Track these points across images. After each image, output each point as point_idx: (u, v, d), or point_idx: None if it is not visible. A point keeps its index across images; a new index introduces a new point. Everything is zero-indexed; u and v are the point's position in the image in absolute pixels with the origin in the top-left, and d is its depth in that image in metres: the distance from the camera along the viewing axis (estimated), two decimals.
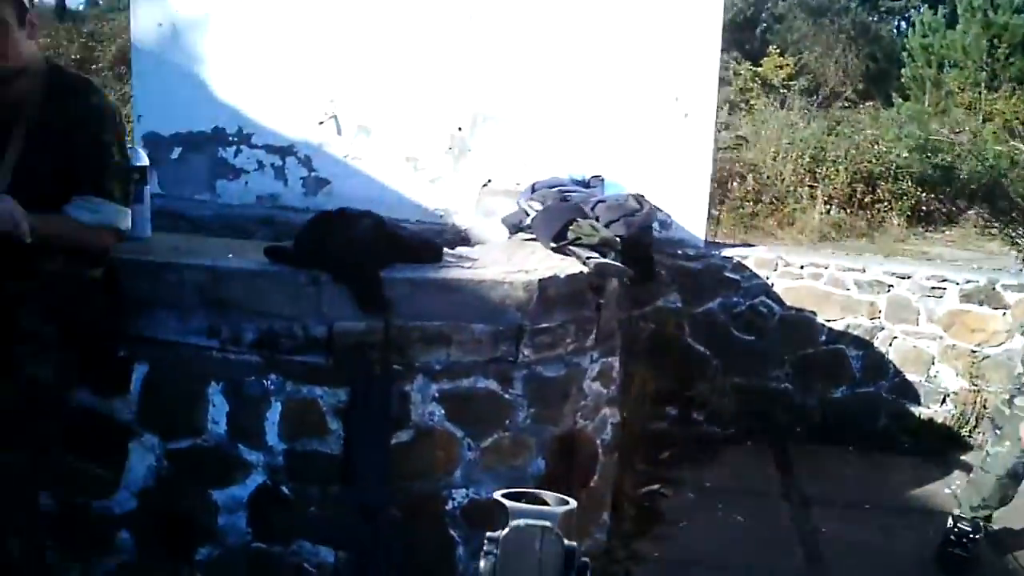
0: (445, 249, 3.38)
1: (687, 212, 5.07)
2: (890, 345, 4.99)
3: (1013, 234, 9.08)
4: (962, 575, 3.75)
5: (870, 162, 13.98)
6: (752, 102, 18.17)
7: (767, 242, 12.87)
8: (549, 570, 1.34)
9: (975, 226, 13.38)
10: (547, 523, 1.37)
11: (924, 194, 13.96)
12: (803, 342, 5.05)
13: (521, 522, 1.36)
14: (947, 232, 14.10)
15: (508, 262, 3.35)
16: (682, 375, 5.03)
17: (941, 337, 4.92)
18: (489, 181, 5.29)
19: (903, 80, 22.26)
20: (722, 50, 19.70)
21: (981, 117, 18.33)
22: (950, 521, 3.76)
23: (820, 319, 5.00)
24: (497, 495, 1.45)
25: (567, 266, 3.35)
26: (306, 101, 5.36)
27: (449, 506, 3.04)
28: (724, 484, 4.26)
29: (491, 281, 3.05)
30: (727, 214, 13.18)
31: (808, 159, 13.66)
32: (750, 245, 5.65)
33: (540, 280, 3.12)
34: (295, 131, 5.41)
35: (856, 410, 4.99)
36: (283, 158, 5.43)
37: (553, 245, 3.59)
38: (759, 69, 19.53)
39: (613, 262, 3.45)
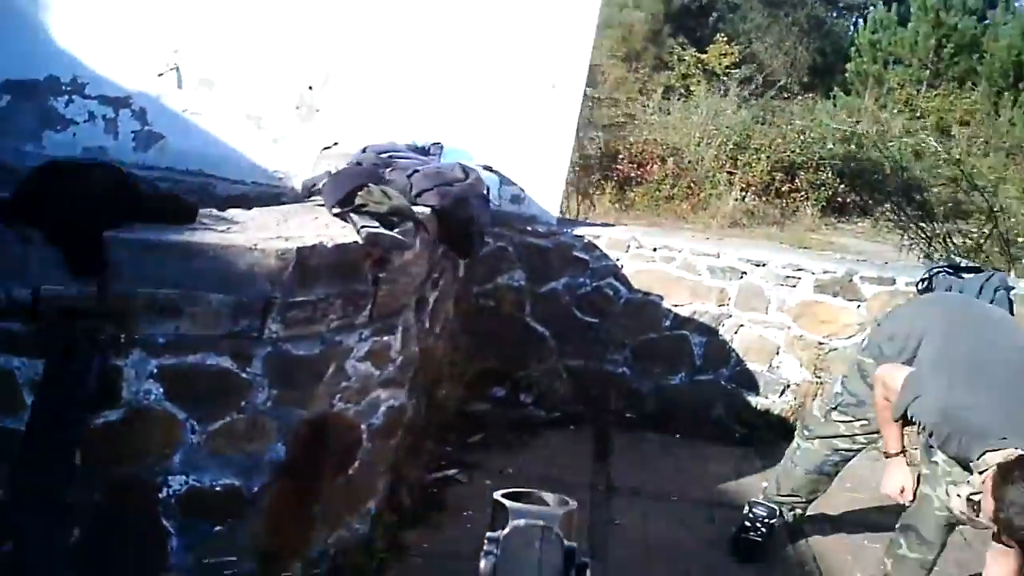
0: (204, 210, 3.10)
1: (542, 187, 4.86)
2: (735, 333, 4.83)
3: (918, 229, 9.03)
4: (751, 561, 3.61)
5: (793, 152, 14.04)
6: (692, 88, 18.13)
7: (677, 225, 12.91)
8: (549, 570, 1.34)
9: (888, 219, 13.47)
10: (547, 523, 1.37)
11: (842, 186, 14.09)
12: (646, 326, 4.87)
13: (521, 522, 1.37)
14: (859, 224, 14.17)
15: (276, 227, 3.10)
16: (517, 355, 4.84)
17: (789, 327, 4.77)
18: (335, 143, 5.05)
19: (847, 75, 22.46)
20: (668, 35, 19.46)
21: (917, 113, 18.53)
22: (746, 507, 3.63)
23: (667, 304, 4.83)
24: (497, 495, 1.42)
25: (342, 234, 3.11)
26: (147, 51, 5.04)
27: (163, 494, 2.74)
28: (529, 471, 4.05)
29: (239, 247, 2.76)
30: (641, 196, 13.13)
31: (732, 146, 13.67)
32: (608, 224, 5.46)
33: (299, 248, 2.85)
34: (132, 82, 5.08)
35: (692, 398, 4.83)
36: (116, 110, 5.09)
37: (336, 211, 3.37)
38: (703, 56, 19.45)
39: (389, 232, 3.22)
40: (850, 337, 4.77)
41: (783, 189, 13.58)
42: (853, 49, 21.97)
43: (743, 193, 13.11)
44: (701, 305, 4.90)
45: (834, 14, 31.15)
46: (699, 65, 19.06)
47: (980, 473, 2.57)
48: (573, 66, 4.82)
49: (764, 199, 13.22)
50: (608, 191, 12.73)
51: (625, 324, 4.95)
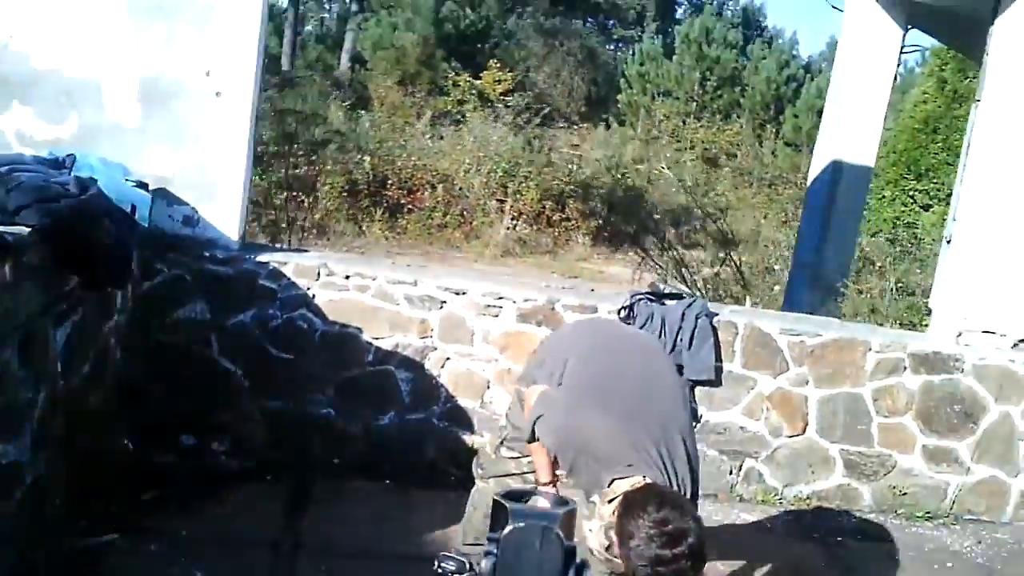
0: None
1: (218, 208, 4.26)
2: (443, 367, 4.43)
3: (657, 254, 9.10)
4: None
5: (562, 180, 14.13)
6: (468, 114, 18.01)
7: (450, 254, 12.71)
8: (549, 570, 1.38)
9: (654, 248, 13.79)
10: (547, 523, 1.41)
11: (613, 215, 14.34)
12: (348, 362, 4.38)
13: (521, 522, 1.41)
14: (630, 253, 14.43)
15: None
16: (206, 398, 4.22)
17: (497, 359, 4.42)
18: None
19: (619, 106, 23.20)
20: (443, 59, 19.12)
21: (685, 144, 19.30)
22: (436, 561, 3.22)
23: (367, 336, 4.36)
24: (497, 495, 1.48)
25: None
26: None
27: None
28: (208, 531, 3.46)
29: None
30: (413, 223, 12.77)
31: (501, 173, 13.57)
32: (297, 250, 4.92)
33: None
34: None
35: (403, 440, 4.36)
36: None
37: None
38: (477, 82, 19.42)
39: None
40: None
41: (554, 218, 13.52)
42: (623, 81, 22.62)
43: (514, 222, 12.96)
44: (403, 337, 4.44)
45: (610, 46, 32.41)
46: (473, 91, 18.98)
47: (609, 502, 2.25)
48: (240, 69, 4.26)
49: (536, 228, 13.12)
50: (378, 217, 12.22)
51: (325, 360, 4.42)
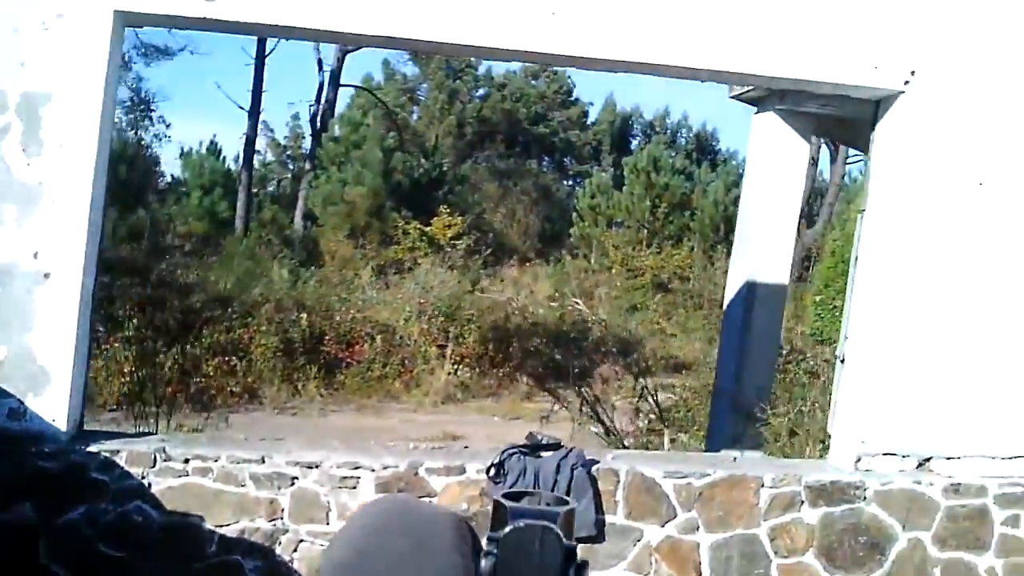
0: None
1: (48, 397, 3.99)
2: (295, 551, 4.10)
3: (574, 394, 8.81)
4: None
5: (506, 319, 13.99)
6: (419, 260, 18.09)
7: (388, 406, 12.39)
8: (549, 569, 1.43)
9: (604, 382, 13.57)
10: (547, 523, 1.46)
11: (557, 352, 14.10)
12: (189, 555, 4.04)
13: (521, 522, 1.47)
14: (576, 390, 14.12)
15: None
16: None
17: None
18: None
19: (572, 239, 23.35)
20: (392, 209, 19.19)
21: (635, 272, 19.30)
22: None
23: (209, 524, 4.04)
24: (497, 495, 1.56)
25: None
26: None
27: None
28: None
29: None
30: (352, 378, 12.51)
31: (442, 318, 13.42)
32: (131, 435, 4.55)
33: None
34: None
35: None
36: None
37: None
38: (427, 228, 19.56)
39: None
40: None
41: (497, 359, 13.29)
42: (576, 214, 22.88)
43: (456, 367, 12.71)
44: (250, 522, 4.12)
45: (567, 182, 33.07)
46: (424, 237, 19.10)
47: None
48: (69, 253, 4.09)
49: (478, 370, 12.86)
50: (313, 375, 11.95)
51: (161, 554, 4.07)
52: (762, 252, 6.04)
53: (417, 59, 31.77)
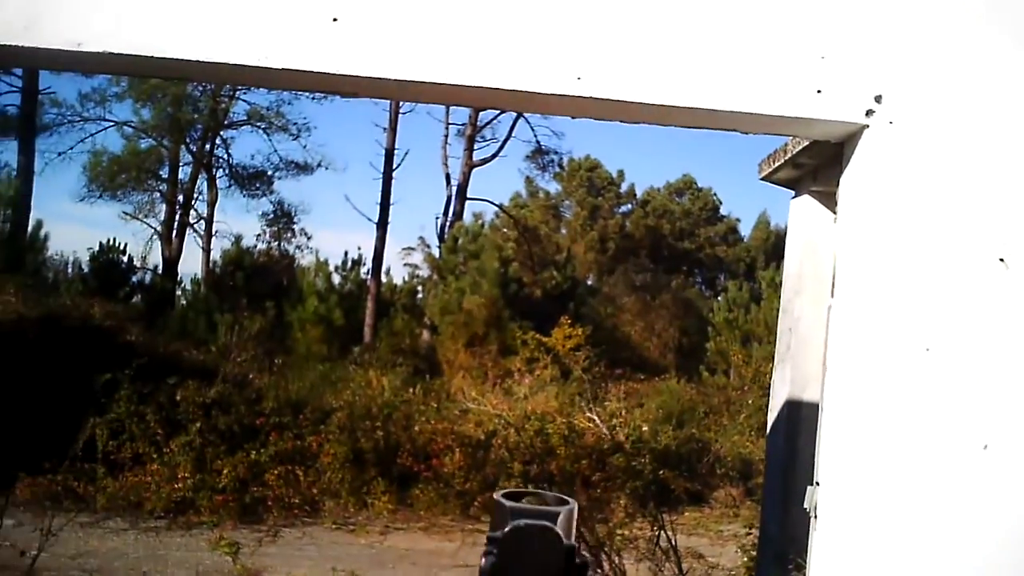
0: None
1: None
2: None
3: None
4: None
5: (602, 438, 12.69)
6: (538, 372, 17.24)
7: (465, 525, 11.21)
8: (549, 569, 1.36)
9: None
10: (547, 522, 1.39)
11: (663, 471, 12.65)
12: None
13: (521, 522, 1.39)
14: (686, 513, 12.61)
15: None
16: None
17: None
18: None
19: (708, 354, 21.77)
20: (510, 319, 18.71)
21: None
22: None
23: None
24: (497, 495, 1.46)
25: None
26: None
27: None
28: None
29: None
30: (426, 492, 11.45)
31: (532, 433, 12.31)
32: None
33: None
34: None
35: None
36: None
37: None
38: (546, 339, 18.66)
39: None
40: None
41: (593, 478, 11.99)
42: (711, 329, 21.43)
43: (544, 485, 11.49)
44: None
45: (708, 293, 31.55)
46: (542, 347, 18.19)
47: None
48: None
49: (570, 489, 11.59)
50: (380, 489, 11.04)
51: None
52: (804, 362, 4.71)
53: (559, 177, 31.68)
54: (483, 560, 1.37)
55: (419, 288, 24.34)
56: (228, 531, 8.92)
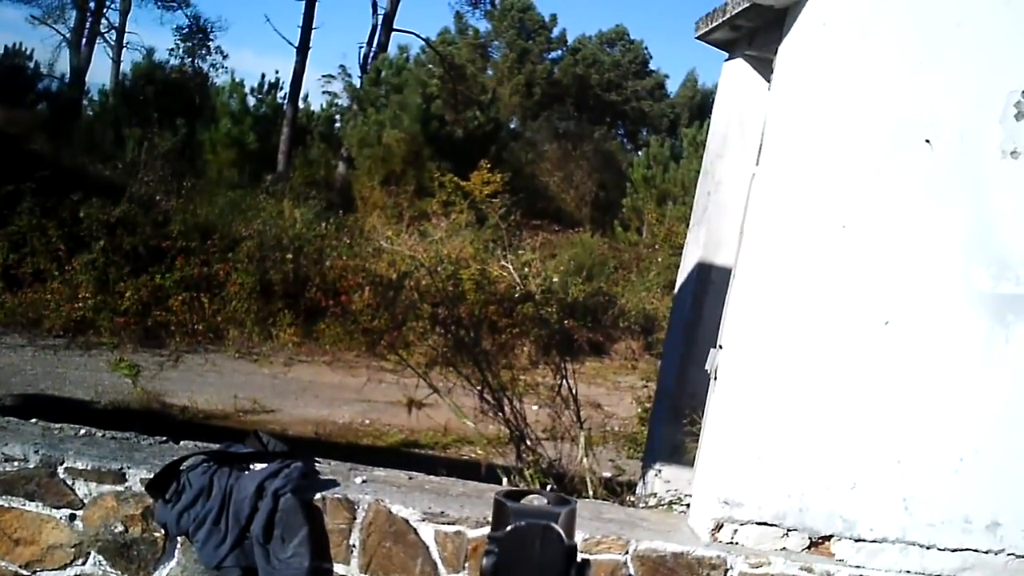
0: None
1: None
2: None
3: None
4: None
5: (513, 286, 12.84)
6: (454, 216, 17.09)
7: (367, 363, 11.31)
8: (549, 569, 1.36)
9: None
10: (548, 522, 1.38)
11: (568, 321, 12.94)
12: None
13: (521, 522, 1.39)
14: (587, 363, 12.99)
15: None
16: None
17: None
18: None
19: (624, 210, 21.95)
20: (429, 159, 18.36)
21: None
22: None
23: None
24: (497, 495, 1.44)
25: None
26: None
27: None
28: None
29: None
30: (331, 327, 11.49)
31: (445, 277, 12.35)
32: None
33: None
34: None
35: None
36: None
37: None
38: (464, 184, 18.45)
39: None
40: (64, 567, 2.90)
41: (500, 324, 12.16)
42: (629, 185, 21.47)
43: (452, 328, 11.58)
44: None
45: (639, 152, 31.52)
46: (459, 191, 17.99)
47: None
48: None
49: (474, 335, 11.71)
50: (287, 321, 10.97)
51: None
52: (719, 227, 4.70)
53: (490, 15, 30.63)
54: (484, 560, 1.37)
55: (337, 117, 23.58)
56: (128, 354, 8.80)
